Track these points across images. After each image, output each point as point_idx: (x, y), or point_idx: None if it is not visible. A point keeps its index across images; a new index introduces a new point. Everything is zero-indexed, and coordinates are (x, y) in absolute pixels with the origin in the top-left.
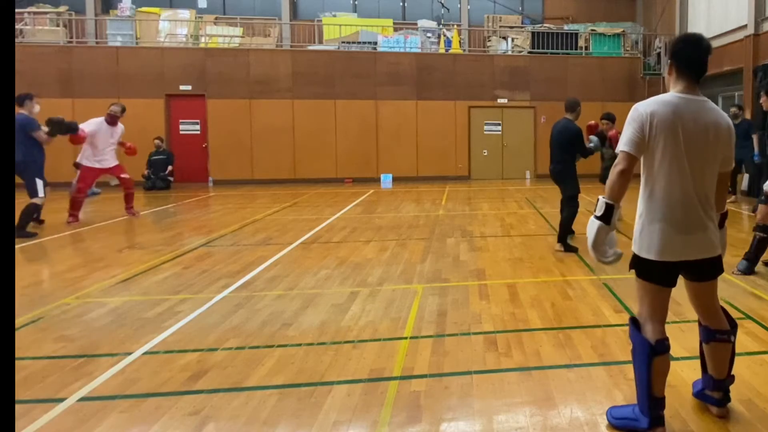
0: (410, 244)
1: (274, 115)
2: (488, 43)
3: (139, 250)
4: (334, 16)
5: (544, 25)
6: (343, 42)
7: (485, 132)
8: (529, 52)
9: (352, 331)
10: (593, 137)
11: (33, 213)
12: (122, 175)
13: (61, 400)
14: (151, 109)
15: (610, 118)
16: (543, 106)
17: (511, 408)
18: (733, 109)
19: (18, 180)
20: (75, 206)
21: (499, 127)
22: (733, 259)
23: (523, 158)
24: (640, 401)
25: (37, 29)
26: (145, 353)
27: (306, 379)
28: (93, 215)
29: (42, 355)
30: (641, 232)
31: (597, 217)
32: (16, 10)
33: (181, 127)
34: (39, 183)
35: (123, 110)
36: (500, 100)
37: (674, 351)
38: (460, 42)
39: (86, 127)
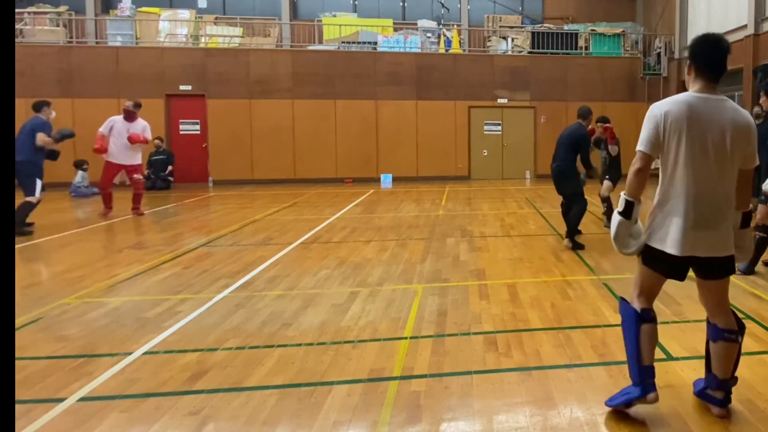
0: (410, 244)
1: (274, 115)
2: (488, 43)
3: (139, 250)
4: (334, 16)
5: (544, 25)
6: (343, 42)
7: (485, 132)
8: (529, 52)
9: (352, 331)
10: (582, 176)
11: (28, 211)
12: (134, 176)
13: (61, 400)
14: (151, 109)
15: (605, 121)
16: (543, 106)
17: (511, 408)
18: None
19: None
20: (104, 201)
21: (499, 127)
22: None
23: (523, 158)
24: (631, 372)
25: (37, 29)
26: (145, 353)
27: (306, 379)
28: (93, 215)
29: (42, 355)
30: (653, 222)
31: (619, 213)
32: (16, 10)
33: (181, 127)
34: (38, 183)
35: (135, 105)
36: (500, 100)
37: (674, 351)
38: (460, 42)
39: (101, 129)
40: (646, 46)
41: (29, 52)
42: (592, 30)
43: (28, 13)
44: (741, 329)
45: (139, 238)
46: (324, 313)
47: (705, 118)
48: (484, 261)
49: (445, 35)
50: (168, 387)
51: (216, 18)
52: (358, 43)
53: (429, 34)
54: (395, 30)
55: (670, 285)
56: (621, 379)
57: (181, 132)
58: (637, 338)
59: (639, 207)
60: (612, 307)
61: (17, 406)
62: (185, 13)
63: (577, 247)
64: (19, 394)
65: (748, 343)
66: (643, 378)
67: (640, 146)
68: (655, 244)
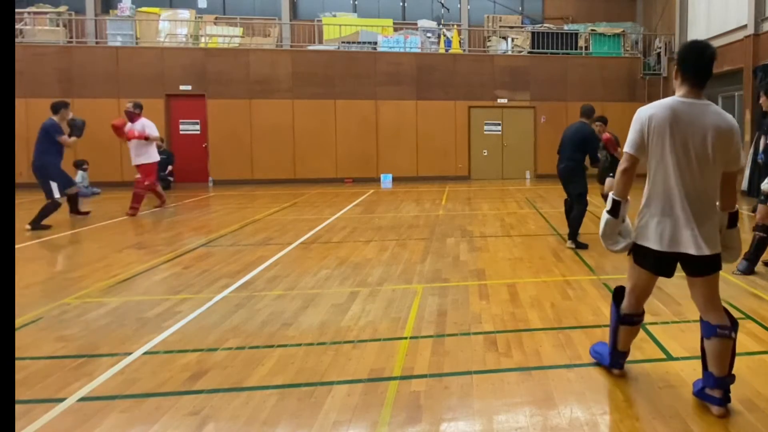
0: (410, 244)
1: (274, 115)
2: (488, 43)
3: (139, 250)
4: (334, 16)
5: (544, 25)
6: (343, 42)
7: (485, 132)
8: (529, 52)
9: (352, 331)
10: (603, 151)
11: (53, 210)
12: (136, 175)
13: (61, 400)
14: (151, 109)
15: (602, 120)
16: (543, 106)
17: (511, 408)
18: None
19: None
20: (135, 200)
21: (499, 127)
22: None
23: (523, 158)
24: (610, 348)
25: (37, 29)
26: (145, 353)
27: (306, 379)
28: (93, 215)
29: (42, 355)
30: (640, 222)
31: (607, 211)
32: (16, 10)
33: (181, 127)
34: (54, 185)
35: (135, 106)
36: (500, 100)
37: (674, 351)
38: (460, 42)
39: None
40: (646, 46)
41: (29, 52)
42: (592, 30)
43: (28, 13)
44: (734, 325)
45: (139, 238)
46: (324, 313)
47: (688, 122)
48: (484, 261)
49: (445, 35)
50: (168, 387)
51: (216, 18)
52: (358, 43)
53: (429, 34)
54: (395, 30)
55: (670, 285)
56: (621, 379)
57: (181, 132)
58: (616, 333)
59: (626, 206)
60: None
61: (17, 406)
62: (185, 13)
63: (580, 246)
64: (19, 394)
65: (748, 343)
66: (613, 357)
67: (627, 148)
68: (643, 242)
